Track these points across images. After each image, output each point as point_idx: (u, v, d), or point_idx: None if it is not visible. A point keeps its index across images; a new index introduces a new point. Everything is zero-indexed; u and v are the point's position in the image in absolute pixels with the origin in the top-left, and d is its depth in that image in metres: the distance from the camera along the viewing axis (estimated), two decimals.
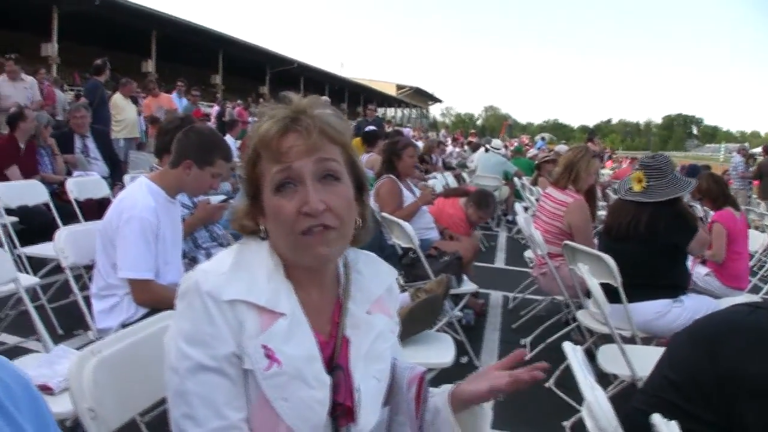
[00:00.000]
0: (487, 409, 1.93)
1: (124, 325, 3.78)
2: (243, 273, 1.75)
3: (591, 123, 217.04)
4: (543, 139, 36.57)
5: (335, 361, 1.81)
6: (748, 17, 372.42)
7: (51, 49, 27.89)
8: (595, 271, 4.69)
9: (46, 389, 3.11)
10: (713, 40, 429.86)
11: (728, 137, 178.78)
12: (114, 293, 3.87)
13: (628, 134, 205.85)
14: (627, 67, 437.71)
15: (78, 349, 3.85)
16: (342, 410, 1.78)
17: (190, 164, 3.95)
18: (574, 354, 2.63)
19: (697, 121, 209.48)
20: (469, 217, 7.85)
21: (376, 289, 1.99)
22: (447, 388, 1.91)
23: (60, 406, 2.86)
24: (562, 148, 18.02)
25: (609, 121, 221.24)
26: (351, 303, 1.90)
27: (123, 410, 2.22)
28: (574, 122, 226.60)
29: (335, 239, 1.74)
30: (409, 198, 6.98)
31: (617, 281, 4.61)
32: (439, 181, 12.75)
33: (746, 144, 34.46)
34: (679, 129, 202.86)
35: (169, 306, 1.80)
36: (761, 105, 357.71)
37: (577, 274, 5.18)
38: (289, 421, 1.68)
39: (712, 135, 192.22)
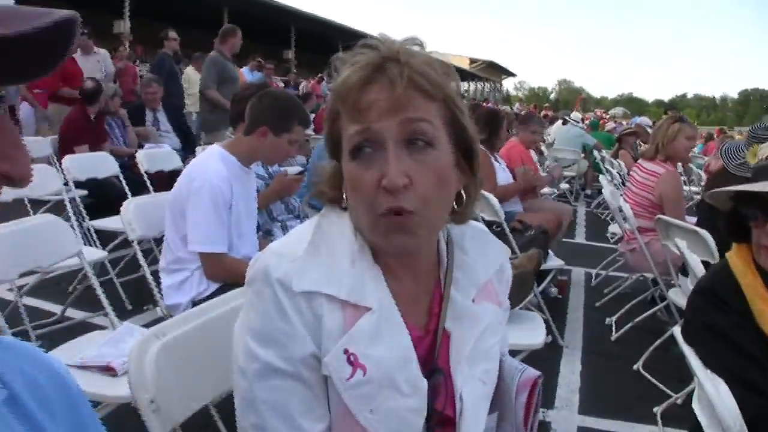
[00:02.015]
0: None
1: (194, 302, 3.62)
2: (322, 257, 1.44)
3: (666, 97, 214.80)
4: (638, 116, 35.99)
5: (434, 362, 1.51)
6: None
7: (123, 26, 28.13)
8: (690, 247, 4.40)
9: (109, 370, 2.96)
10: None
11: None
12: (184, 267, 3.69)
13: (704, 109, 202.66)
14: (703, 39, 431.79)
15: (146, 325, 3.71)
16: (441, 419, 1.49)
17: (266, 131, 3.72)
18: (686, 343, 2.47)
19: None
20: (525, 141, 7.72)
21: (483, 272, 1.64)
22: None
23: (124, 388, 2.59)
24: (644, 120, 17.67)
25: (684, 95, 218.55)
26: (454, 289, 1.56)
27: (189, 401, 1.96)
28: (649, 96, 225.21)
29: (417, 226, 1.38)
30: (499, 173, 6.71)
31: (715, 258, 4.30)
32: None
33: None
34: (756, 104, 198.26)
35: (244, 282, 1.52)
36: None
37: (670, 249, 4.95)
38: None
39: None
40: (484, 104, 17.63)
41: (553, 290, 6.81)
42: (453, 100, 1.45)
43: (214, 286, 3.66)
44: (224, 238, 3.62)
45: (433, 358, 1.51)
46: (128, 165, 7.69)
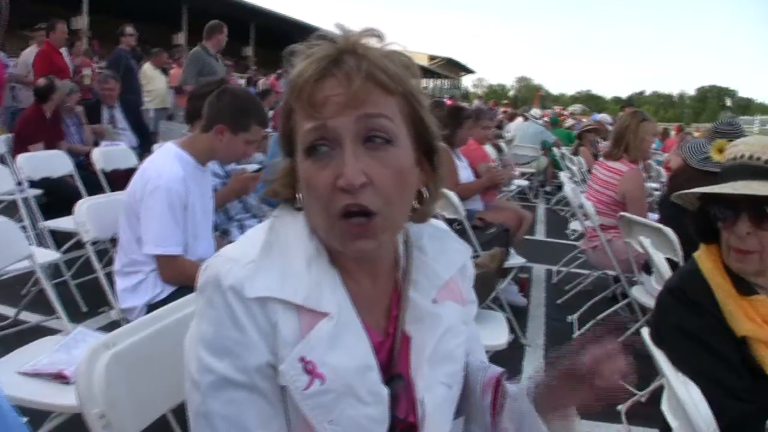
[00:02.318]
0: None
1: (149, 305, 3.53)
2: (276, 260, 1.36)
3: (624, 94, 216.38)
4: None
5: (393, 367, 1.44)
6: None
7: (81, 22, 27.83)
8: (654, 245, 4.39)
9: (61, 377, 2.86)
10: (747, 11, 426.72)
11: (763, 109, 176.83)
12: (139, 270, 3.58)
13: (662, 106, 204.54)
14: (661, 37, 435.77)
15: (102, 328, 3.61)
16: (403, 427, 1.42)
17: (223, 129, 3.63)
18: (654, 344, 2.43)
19: (731, 93, 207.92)
20: (480, 137, 7.63)
21: (443, 272, 1.57)
22: (523, 390, 1.54)
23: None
24: (604, 117, 17.75)
25: (642, 92, 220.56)
26: (412, 291, 1.49)
27: (143, 414, 1.88)
28: (607, 93, 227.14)
29: (380, 229, 1.32)
30: (461, 171, 6.68)
31: (678, 255, 4.29)
32: None
33: None
34: (713, 101, 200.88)
35: None
36: None
37: (632, 247, 4.96)
38: None
39: (746, 107, 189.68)
40: (449, 102, 17.66)
41: (514, 288, 6.73)
42: (413, 94, 1.38)
43: (170, 289, 3.57)
44: (179, 239, 3.54)
45: (393, 363, 1.45)
46: (84, 163, 7.59)
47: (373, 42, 1.36)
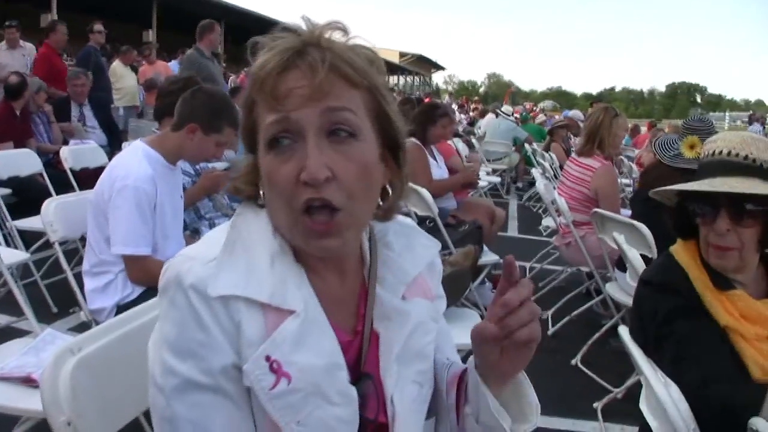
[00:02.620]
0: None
1: (119, 306, 3.47)
2: (238, 258, 1.31)
3: (594, 90, 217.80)
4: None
5: (362, 367, 1.40)
6: None
7: (51, 19, 27.64)
8: (628, 240, 4.38)
9: (29, 381, 2.78)
10: (717, 7, 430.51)
11: (732, 105, 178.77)
12: (107, 270, 3.52)
13: (632, 102, 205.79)
14: (631, 33, 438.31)
15: (72, 329, 3.55)
16: (374, 428, 1.38)
17: (195, 128, 3.57)
18: (632, 342, 2.38)
19: (701, 90, 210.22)
20: (445, 134, 7.40)
21: (411, 268, 1.53)
22: (471, 366, 1.45)
23: None
24: (576, 113, 17.83)
25: (612, 88, 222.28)
26: (380, 288, 1.45)
27: (111, 421, 1.83)
28: (578, 90, 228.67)
29: (345, 227, 1.29)
30: (434, 169, 6.62)
31: (652, 251, 4.28)
32: None
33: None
34: (683, 97, 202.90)
35: None
36: (766, 73, 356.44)
37: (606, 243, 4.95)
38: None
39: (716, 103, 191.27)
40: (427, 99, 17.67)
41: (488, 285, 6.67)
42: (378, 88, 1.35)
43: (140, 290, 3.52)
44: (148, 239, 3.48)
45: (361, 363, 1.41)
46: (53, 162, 7.55)
47: (337, 35, 1.34)
